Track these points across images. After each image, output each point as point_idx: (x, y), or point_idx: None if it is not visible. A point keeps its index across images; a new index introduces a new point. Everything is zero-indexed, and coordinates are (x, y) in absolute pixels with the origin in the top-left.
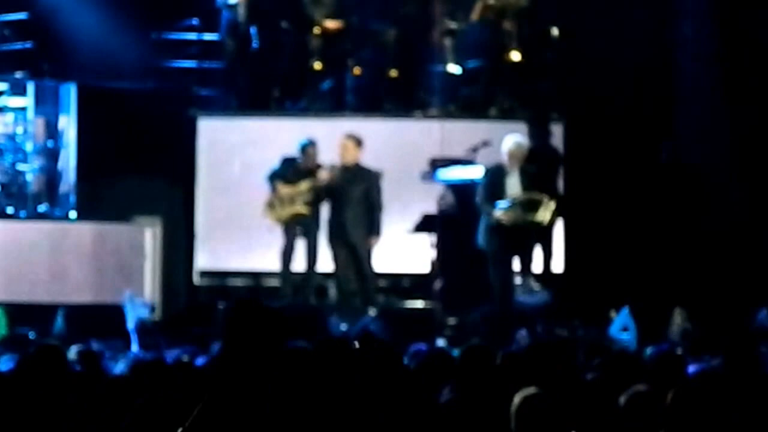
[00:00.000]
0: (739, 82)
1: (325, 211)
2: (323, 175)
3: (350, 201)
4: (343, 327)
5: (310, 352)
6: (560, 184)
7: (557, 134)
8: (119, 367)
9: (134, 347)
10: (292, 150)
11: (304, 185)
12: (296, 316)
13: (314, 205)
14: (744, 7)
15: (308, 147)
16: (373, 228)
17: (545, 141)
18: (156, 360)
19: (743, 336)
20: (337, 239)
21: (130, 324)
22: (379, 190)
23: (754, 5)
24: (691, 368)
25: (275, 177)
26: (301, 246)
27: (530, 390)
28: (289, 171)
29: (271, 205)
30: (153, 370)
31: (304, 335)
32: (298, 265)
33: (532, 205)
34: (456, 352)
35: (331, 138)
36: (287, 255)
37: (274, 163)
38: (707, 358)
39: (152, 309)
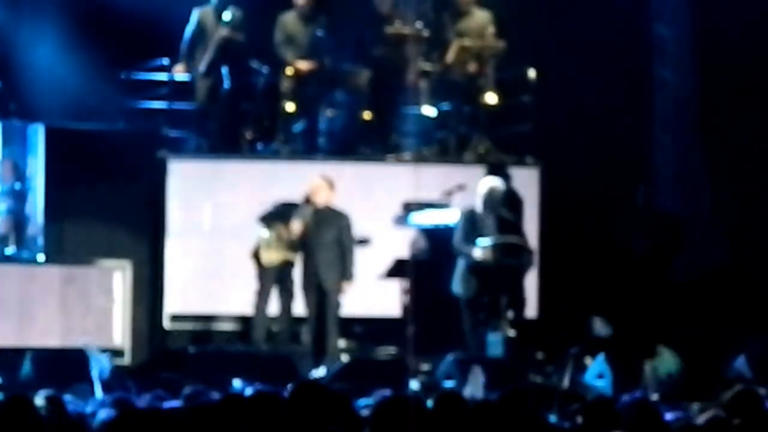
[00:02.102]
0: (717, 126)
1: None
2: (296, 227)
3: (322, 244)
4: (319, 372)
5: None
6: (535, 227)
7: (533, 178)
8: (102, 414)
9: (98, 393)
10: (264, 193)
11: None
12: (267, 361)
13: (298, 251)
14: (722, 49)
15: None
16: (345, 272)
17: (520, 185)
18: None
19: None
20: (309, 283)
21: (95, 371)
22: (351, 233)
23: (733, 47)
24: (668, 416)
25: (272, 218)
26: (275, 290)
27: None
28: (286, 216)
29: (267, 246)
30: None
31: (276, 381)
32: (272, 309)
33: (510, 250)
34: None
35: (302, 181)
36: (262, 299)
37: (257, 204)
38: (684, 404)
39: (109, 362)
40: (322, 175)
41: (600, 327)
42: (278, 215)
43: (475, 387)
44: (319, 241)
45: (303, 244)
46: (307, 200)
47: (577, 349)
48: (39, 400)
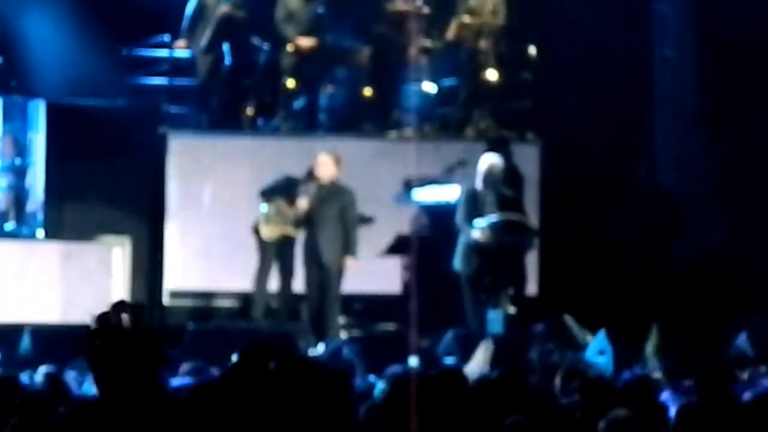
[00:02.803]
0: (718, 102)
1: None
2: (302, 204)
3: (325, 220)
4: (317, 350)
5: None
6: (535, 204)
7: (533, 154)
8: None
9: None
10: (264, 169)
11: (295, 208)
12: (267, 338)
13: (298, 227)
14: (724, 27)
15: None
16: (348, 248)
17: (521, 161)
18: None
19: (716, 364)
20: (310, 259)
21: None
22: (355, 210)
23: (734, 25)
24: (665, 394)
25: (274, 193)
26: (276, 267)
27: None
28: (288, 190)
29: (267, 220)
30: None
31: (274, 358)
32: (272, 286)
33: (511, 227)
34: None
35: (303, 158)
36: (262, 275)
37: (273, 179)
38: (683, 382)
39: None
40: (328, 150)
41: (574, 329)
42: (279, 190)
43: (483, 361)
44: (322, 217)
45: (305, 220)
46: (311, 175)
47: (543, 326)
48: (38, 377)
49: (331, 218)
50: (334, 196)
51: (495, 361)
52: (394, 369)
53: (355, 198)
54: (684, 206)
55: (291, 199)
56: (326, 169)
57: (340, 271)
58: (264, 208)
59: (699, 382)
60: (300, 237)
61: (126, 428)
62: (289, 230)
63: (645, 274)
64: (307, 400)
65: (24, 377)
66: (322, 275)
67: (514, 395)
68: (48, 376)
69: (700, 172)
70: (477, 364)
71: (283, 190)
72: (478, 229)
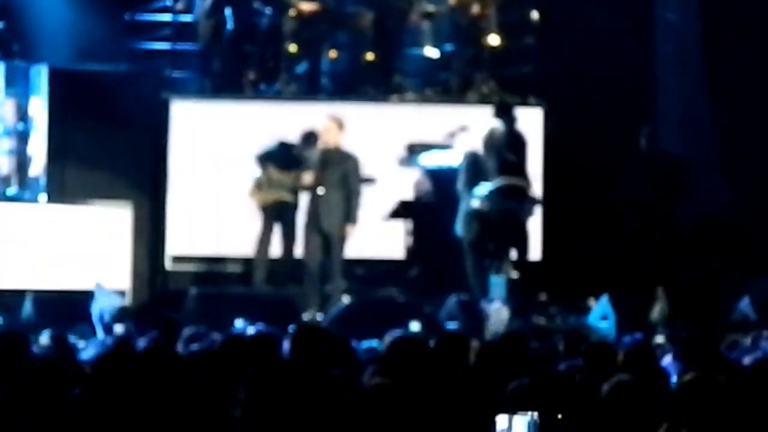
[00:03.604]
0: (721, 68)
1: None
2: (307, 179)
3: (327, 186)
4: (318, 315)
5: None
6: (538, 169)
7: (536, 118)
8: (89, 353)
9: (99, 334)
10: (265, 133)
11: (293, 174)
12: (269, 303)
13: (297, 193)
14: None
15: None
16: (349, 215)
17: (524, 126)
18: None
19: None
20: (311, 225)
21: (95, 313)
22: (358, 176)
23: None
24: (668, 359)
25: (268, 159)
26: (277, 232)
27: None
28: (283, 156)
29: (258, 187)
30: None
31: (277, 322)
32: (274, 251)
33: (513, 192)
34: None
35: (305, 122)
36: (264, 241)
37: (267, 144)
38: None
39: (122, 297)
40: (332, 115)
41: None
42: (276, 155)
43: (497, 323)
44: (325, 182)
45: (307, 186)
46: (312, 140)
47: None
48: (44, 338)
49: (334, 184)
50: (338, 161)
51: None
52: (396, 333)
53: (359, 163)
54: (687, 170)
55: (287, 165)
56: (331, 134)
57: (341, 237)
58: (257, 173)
59: (692, 347)
60: (301, 203)
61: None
62: (285, 196)
63: (648, 239)
64: (311, 364)
65: None
66: (324, 241)
67: (515, 359)
68: (55, 338)
69: (704, 135)
70: (496, 325)
71: (279, 156)
72: (479, 195)
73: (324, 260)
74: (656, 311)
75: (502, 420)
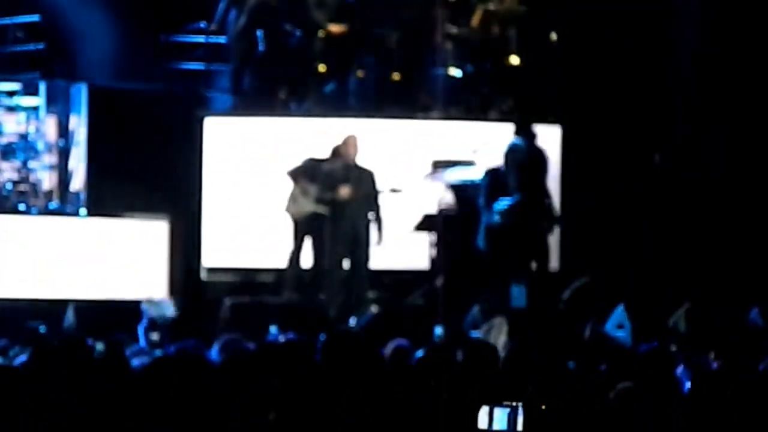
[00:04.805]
0: (738, 88)
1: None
2: (344, 192)
3: (354, 199)
4: (350, 322)
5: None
6: (557, 185)
7: (554, 136)
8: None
9: (143, 343)
10: (296, 150)
11: (324, 188)
12: (300, 312)
13: (327, 206)
14: (744, 14)
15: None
16: (374, 226)
17: (543, 143)
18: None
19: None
20: (340, 237)
21: (144, 323)
22: (377, 189)
23: (754, 13)
24: (679, 369)
25: (299, 174)
26: (308, 244)
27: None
28: (314, 171)
29: (292, 200)
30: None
31: (308, 331)
32: (305, 262)
33: (531, 208)
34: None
35: (334, 139)
36: (296, 252)
37: (290, 161)
38: (700, 357)
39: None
40: (351, 133)
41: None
42: (306, 170)
43: (496, 336)
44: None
45: (335, 199)
46: (336, 155)
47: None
48: (99, 345)
49: (360, 197)
50: (360, 176)
51: (514, 334)
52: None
53: (376, 177)
54: (705, 185)
55: (318, 179)
56: (352, 149)
57: (368, 248)
58: (291, 187)
59: (722, 354)
60: (329, 215)
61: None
62: (317, 208)
63: (664, 249)
64: (342, 370)
65: None
66: (353, 252)
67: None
68: (109, 344)
69: (720, 152)
70: (494, 340)
71: (309, 170)
72: (499, 210)
73: (352, 271)
74: (678, 321)
75: (483, 412)
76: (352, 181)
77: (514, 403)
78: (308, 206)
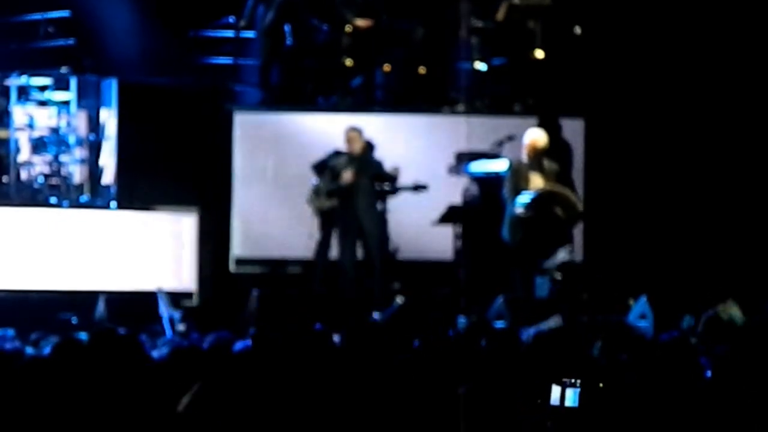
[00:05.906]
0: (759, 84)
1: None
2: (347, 176)
3: (361, 191)
4: (376, 314)
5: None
6: (580, 177)
7: (578, 130)
8: (159, 353)
9: (169, 334)
10: (324, 143)
11: (333, 179)
12: (329, 303)
13: (336, 196)
14: None
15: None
16: (382, 216)
17: (567, 135)
18: (193, 346)
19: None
20: (350, 228)
21: (164, 314)
22: (385, 176)
23: None
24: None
25: (324, 167)
26: (335, 236)
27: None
28: (340, 164)
29: (316, 193)
30: (191, 356)
31: (334, 322)
32: (332, 253)
33: (554, 200)
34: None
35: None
36: (322, 244)
37: (318, 154)
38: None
39: (181, 301)
40: (353, 126)
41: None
42: (329, 163)
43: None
44: (359, 188)
45: (343, 191)
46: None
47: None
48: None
49: (367, 189)
50: (367, 167)
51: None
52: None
53: (384, 168)
54: (724, 175)
55: (325, 172)
56: (357, 142)
57: (380, 239)
58: (315, 180)
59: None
60: (338, 207)
61: None
62: (330, 201)
63: (687, 241)
64: (368, 359)
65: None
66: (365, 243)
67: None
68: (127, 337)
69: (747, 148)
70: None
71: (332, 164)
72: (522, 203)
73: (368, 262)
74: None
75: (555, 390)
76: (355, 169)
77: (573, 380)
78: (330, 200)
